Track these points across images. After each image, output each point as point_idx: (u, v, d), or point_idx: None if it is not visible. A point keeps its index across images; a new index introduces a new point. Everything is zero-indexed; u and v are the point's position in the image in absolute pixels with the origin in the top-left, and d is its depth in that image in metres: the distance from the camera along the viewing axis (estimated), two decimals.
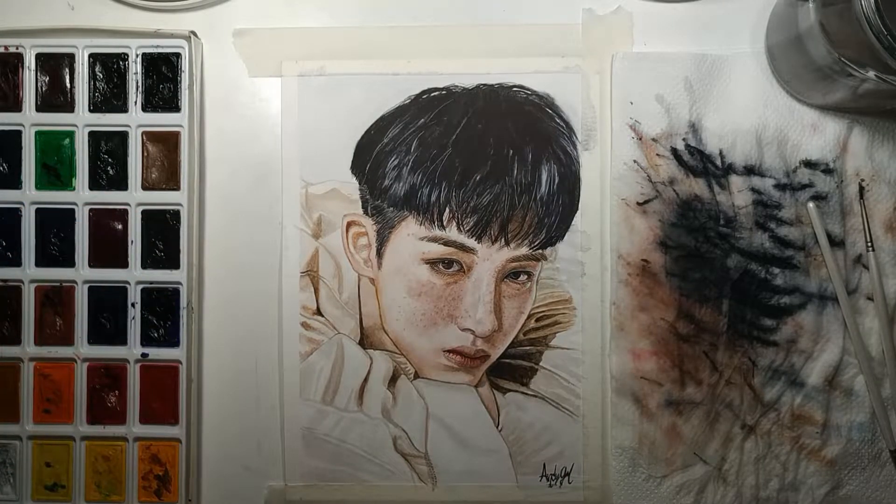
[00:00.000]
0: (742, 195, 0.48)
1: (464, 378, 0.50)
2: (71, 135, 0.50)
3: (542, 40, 0.50)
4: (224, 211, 0.50)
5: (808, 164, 0.48)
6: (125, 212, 0.49)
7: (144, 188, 0.49)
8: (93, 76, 0.49)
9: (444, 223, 0.49)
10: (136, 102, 0.49)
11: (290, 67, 0.50)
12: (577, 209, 0.49)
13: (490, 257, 0.49)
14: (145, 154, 0.49)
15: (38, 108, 0.50)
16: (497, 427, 0.50)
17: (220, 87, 0.50)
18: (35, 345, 0.50)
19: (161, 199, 0.49)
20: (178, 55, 0.49)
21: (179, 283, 0.49)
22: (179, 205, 0.49)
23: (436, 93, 0.50)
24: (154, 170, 0.49)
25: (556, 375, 0.49)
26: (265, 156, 0.50)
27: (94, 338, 0.50)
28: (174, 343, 0.49)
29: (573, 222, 0.49)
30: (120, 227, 0.49)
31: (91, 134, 0.49)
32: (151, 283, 0.49)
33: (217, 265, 0.50)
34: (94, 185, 0.49)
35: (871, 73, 0.41)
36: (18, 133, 0.50)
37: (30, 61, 0.49)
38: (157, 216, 0.49)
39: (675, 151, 0.49)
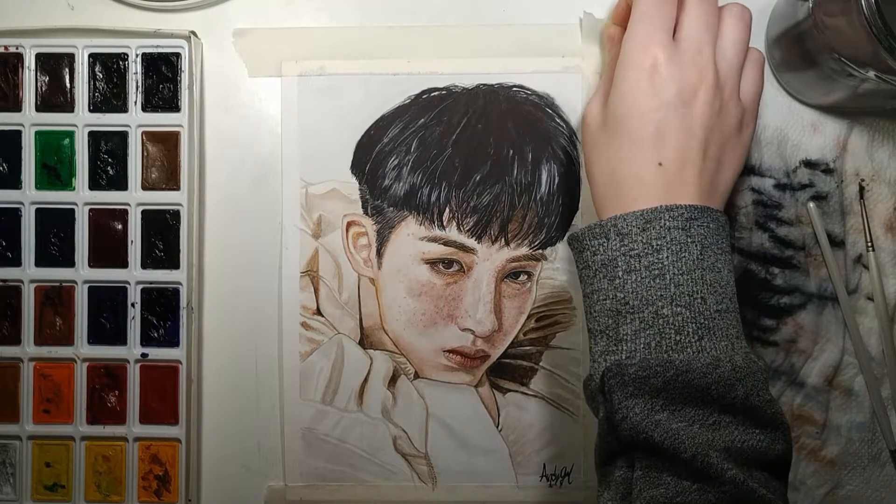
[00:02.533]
0: (742, 195, 0.48)
1: (464, 378, 0.50)
2: (71, 135, 0.50)
3: (542, 40, 0.50)
4: (224, 211, 0.50)
5: (808, 164, 0.48)
6: (125, 212, 0.49)
7: (144, 188, 0.49)
8: (93, 76, 0.50)
9: (444, 223, 0.49)
10: (136, 102, 0.49)
11: (290, 67, 0.50)
12: (577, 209, 0.49)
13: (490, 257, 0.49)
14: (145, 154, 0.49)
15: (38, 108, 0.50)
16: (497, 427, 0.50)
17: (220, 87, 0.50)
18: (35, 345, 0.50)
19: (161, 199, 0.49)
20: (178, 55, 0.49)
21: (179, 283, 0.49)
22: (179, 205, 0.49)
23: (436, 93, 0.50)
24: (154, 170, 0.49)
25: (556, 375, 0.49)
26: (265, 156, 0.50)
27: (94, 338, 0.50)
28: (174, 343, 0.49)
29: (573, 222, 0.49)
30: (120, 227, 0.49)
31: (91, 134, 0.49)
32: (151, 283, 0.49)
33: (217, 265, 0.50)
34: (94, 185, 0.50)
35: (871, 73, 0.41)
36: (18, 133, 0.50)
37: (30, 61, 0.49)
38: (157, 216, 0.49)
39: None
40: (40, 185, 0.50)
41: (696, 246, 0.38)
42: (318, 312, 0.50)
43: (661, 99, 0.39)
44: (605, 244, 0.39)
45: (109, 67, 0.50)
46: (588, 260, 0.40)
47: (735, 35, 0.42)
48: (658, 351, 0.37)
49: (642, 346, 0.38)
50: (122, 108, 0.49)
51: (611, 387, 0.37)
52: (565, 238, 0.43)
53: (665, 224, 0.38)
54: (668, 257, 0.38)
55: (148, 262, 0.49)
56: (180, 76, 0.49)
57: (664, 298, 0.38)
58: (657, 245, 0.38)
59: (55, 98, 0.50)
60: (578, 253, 0.41)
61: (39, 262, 0.50)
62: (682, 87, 0.39)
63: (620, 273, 0.38)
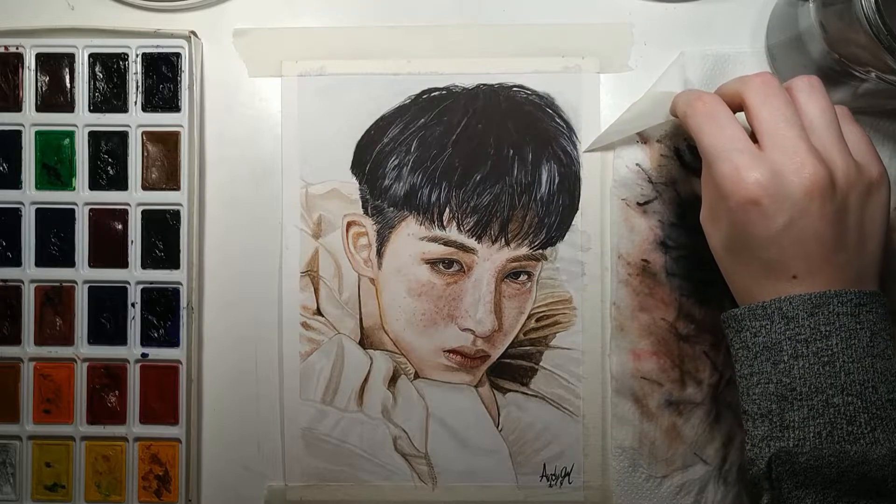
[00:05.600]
0: None
1: (464, 378, 0.50)
2: (71, 135, 0.50)
3: (542, 40, 0.50)
4: (224, 211, 0.50)
5: None
6: (125, 212, 0.49)
7: (144, 188, 0.49)
8: (93, 76, 0.50)
9: (445, 223, 0.49)
10: (136, 102, 0.49)
11: (290, 67, 0.50)
12: (577, 209, 0.49)
13: (490, 257, 0.49)
14: (145, 154, 0.49)
15: (38, 108, 0.50)
16: (497, 427, 0.50)
17: (220, 87, 0.50)
18: (35, 345, 0.50)
19: (161, 199, 0.49)
20: (178, 55, 0.49)
21: (179, 283, 0.49)
22: (179, 205, 0.49)
23: (436, 93, 0.50)
24: (154, 170, 0.49)
25: (556, 375, 0.49)
26: (265, 156, 0.50)
27: (94, 338, 0.50)
28: (174, 343, 0.49)
29: (573, 222, 0.49)
30: (120, 227, 0.49)
31: (91, 134, 0.49)
32: (151, 283, 0.49)
33: (217, 265, 0.50)
34: (94, 185, 0.50)
35: (872, 73, 0.41)
36: (18, 133, 0.50)
37: (30, 61, 0.49)
38: (157, 216, 0.49)
39: (677, 151, 0.49)
40: (40, 185, 0.50)
41: (865, 333, 0.37)
42: (319, 312, 0.50)
43: (775, 224, 0.37)
44: (769, 327, 0.38)
45: (109, 67, 0.50)
46: (748, 341, 0.39)
47: (817, 107, 0.39)
48: (830, 441, 0.36)
49: (812, 434, 0.36)
50: (122, 108, 0.49)
51: (779, 475, 0.36)
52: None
53: (834, 310, 0.37)
54: (837, 344, 0.37)
55: (148, 262, 0.49)
56: (180, 76, 0.49)
57: (834, 387, 0.36)
58: (826, 331, 0.37)
59: (55, 98, 0.50)
60: (735, 332, 0.39)
61: (39, 262, 0.50)
62: (794, 200, 0.37)
63: (786, 357, 0.37)
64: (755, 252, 0.38)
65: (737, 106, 0.40)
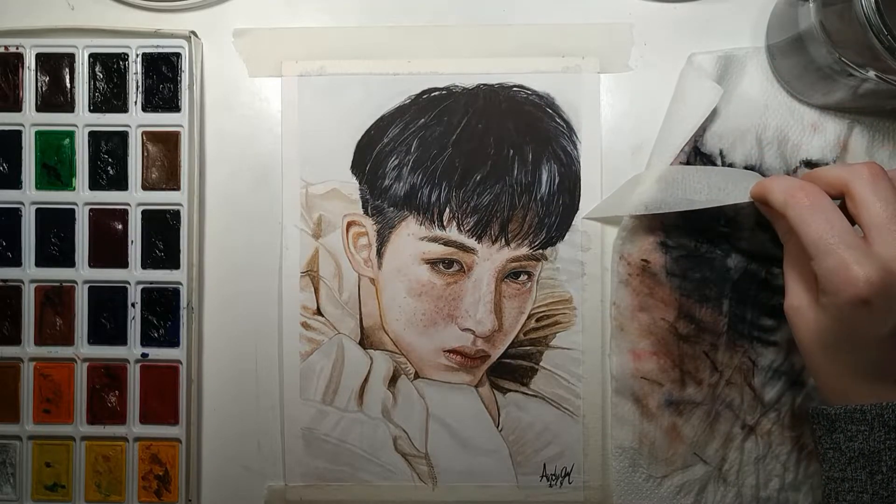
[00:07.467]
0: None
1: (464, 378, 0.50)
2: (71, 135, 0.50)
3: (542, 40, 0.50)
4: (224, 211, 0.50)
5: (809, 164, 0.48)
6: (125, 212, 0.49)
7: (144, 188, 0.49)
8: (93, 76, 0.50)
9: (445, 223, 0.49)
10: (136, 102, 0.49)
11: (290, 67, 0.50)
12: (577, 209, 0.49)
13: (490, 257, 0.49)
14: (145, 154, 0.49)
15: (38, 108, 0.50)
16: (497, 427, 0.50)
17: (220, 87, 0.50)
18: (35, 345, 0.50)
19: (161, 199, 0.49)
20: (178, 55, 0.49)
21: (179, 283, 0.49)
22: (179, 205, 0.49)
23: (436, 93, 0.50)
24: (154, 170, 0.49)
25: (556, 375, 0.49)
26: (265, 156, 0.50)
27: (94, 338, 0.50)
28: (174, 343, 0.49)
29: (573, 222, 0.49)
30: (120, 227, 0.49)
31: (91, 134, 0.49)
32: (151, 283, 0.49)
33: (217, 265, 0.50)
34: (94, 185, 0.50)
35: (871, 73, 0.41)
36: (18, 133, 0.50)
37: (30, 61, 0.49)
38: (157, 216, 0.49)
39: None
40: (40, 185, 0.50)
41: None
42: (319, 312, 0.50)
43: (885, 326, 0.36)
44: (867, 433, 0.36)
45: (109, 67, 0.50)
46: (840, 444, 0.37)
47: None
48: None
49: None
50: (123, 108, 0.49)
51: None
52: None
53: None
54: None
55: (148, 262, 0.49)
56: (180, 76, 0.49)
57: None
58: None
59: (55, 98, 0.50)
60: (826, 432, 0.38)
61: (39, 262, 0.50)
62: None
63: (885, 469, 0.36)
64: (857, 352, 0.37)
65: (837, 194, 0.39)
